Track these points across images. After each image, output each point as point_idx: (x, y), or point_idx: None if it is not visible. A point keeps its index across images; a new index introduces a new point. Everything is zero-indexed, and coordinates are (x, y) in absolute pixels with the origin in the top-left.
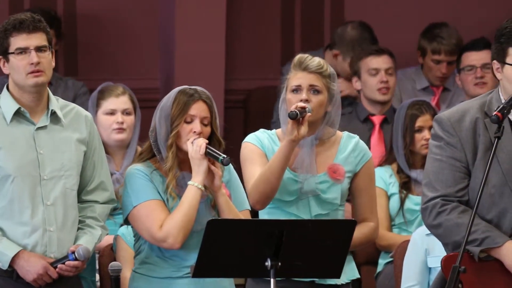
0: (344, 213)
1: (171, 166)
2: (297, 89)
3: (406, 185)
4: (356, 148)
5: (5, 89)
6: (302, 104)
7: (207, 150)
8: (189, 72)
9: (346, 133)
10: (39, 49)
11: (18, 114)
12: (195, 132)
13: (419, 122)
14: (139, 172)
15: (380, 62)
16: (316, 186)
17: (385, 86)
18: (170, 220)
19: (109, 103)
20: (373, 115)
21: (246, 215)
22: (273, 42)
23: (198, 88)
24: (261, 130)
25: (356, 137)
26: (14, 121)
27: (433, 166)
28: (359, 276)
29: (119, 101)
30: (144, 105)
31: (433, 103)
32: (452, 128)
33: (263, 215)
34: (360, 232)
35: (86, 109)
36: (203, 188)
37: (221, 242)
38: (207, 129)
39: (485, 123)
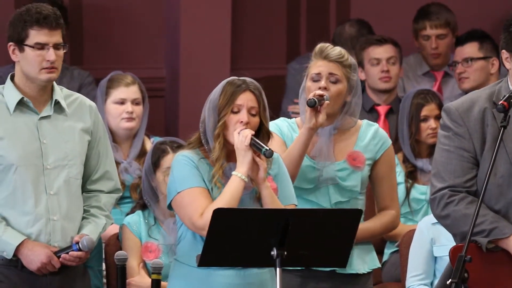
0: (364, 201)
1: (218, 157)
2: (316, 77)
3: (412, 175)
4: (376, 136)
5: (9, 79)
6: (320, 92)
7: (252, 141)
8: (194, 61)
9: (365, 121)
10: (56, 46)
11: (21, 104)
12: (242, 122)
13: (424, 111)
14: (186, 158)
15: (381, 51)
16: (335, 174)
17: (386, 75)
18: (211, 208)
19: (119, 93)
20: (378, 105)
21: None
22: (279, 30)
23: (247, 78)
24: (281, 118)
25: (376, 125)
26: (17, 111)
27: (441, 156)
28: (379, 266)
29: (129, 91)
30: (149, 94)
31: (435, 88)
32: (460, 118)
33: None
34: (380, 221)
35: (92, 98)
36: (246, 179)
37: (227, 231)
38: (255, 120)
39: (493, 113)
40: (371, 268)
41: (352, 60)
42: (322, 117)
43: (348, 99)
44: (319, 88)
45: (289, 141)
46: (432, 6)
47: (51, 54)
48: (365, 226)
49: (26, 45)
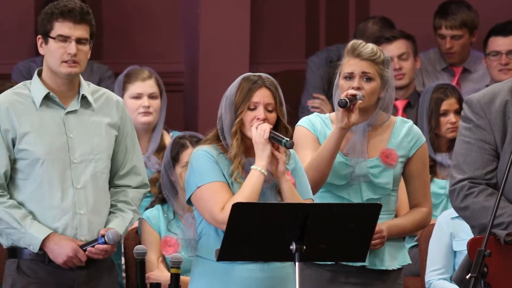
0: (397, 198)
1: (236, 153)
2: (349, 76)
3: (431, 169)
4: (410, 133)
5: (36, 75)
6: (352, 92)
7: (271, 134)
8: (213, 56)
9: (399, 117)
10: (79, 40)
11: (47, 98)
12: (258, 119)
13: (444, 106)
14: (205, 153)
15: (392, 49)
16: (368, 171)
17: (398, 73)
18: (231, 202)
19: (136, 87)
20: (396, 99)
21: None
22: (298, 24)
23: (263, 74)
24: (315, 113)
25: (410, 122)
26: (44, 106)
27: (461, 148)
28: (410, 262)
29: (145, 85)
30: (169, 88)
31: (453, 83)
32: (481, 110)
33: (315, 199)
34: (412, 218)
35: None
36: (265, 173)
37: (246, 225)
38: (272, 116)
39: None
40: (401, 265)
41: (384, 55)
42: (354, 117)
43: (381, 95)
44: (352, 87)
45: (322, 138)
46: (452, 4)
47: (72, 47)
48: (396, 223)
49: (50, 36)
